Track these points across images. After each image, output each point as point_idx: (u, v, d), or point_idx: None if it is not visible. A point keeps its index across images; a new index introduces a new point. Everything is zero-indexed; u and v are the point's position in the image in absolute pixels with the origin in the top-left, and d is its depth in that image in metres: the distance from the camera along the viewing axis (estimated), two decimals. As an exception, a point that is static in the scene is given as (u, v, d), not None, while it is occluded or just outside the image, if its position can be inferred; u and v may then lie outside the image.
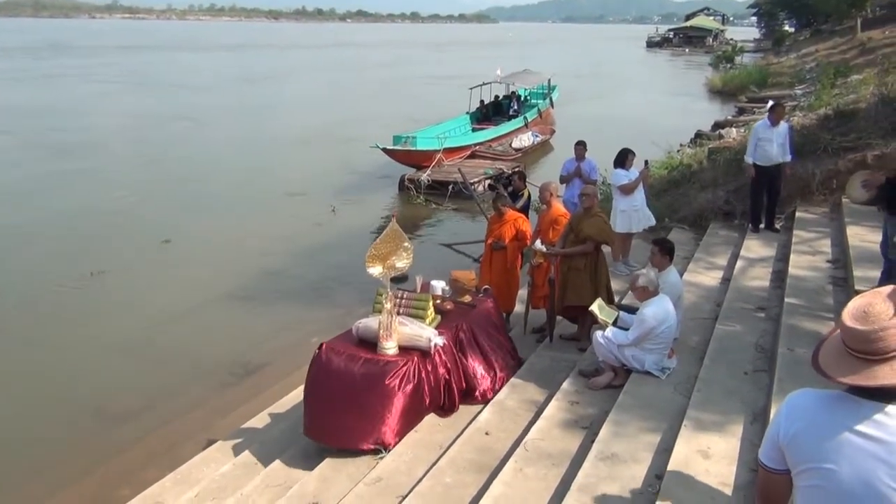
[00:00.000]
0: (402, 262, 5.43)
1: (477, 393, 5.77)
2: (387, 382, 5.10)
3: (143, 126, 25.45)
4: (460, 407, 5.65)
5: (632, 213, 8.54)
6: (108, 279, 10.75)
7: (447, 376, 5.55)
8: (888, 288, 1.88)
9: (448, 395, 5.57)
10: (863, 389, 1.82)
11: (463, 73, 22.53)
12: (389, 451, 5.11)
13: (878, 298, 1.84)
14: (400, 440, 5.18)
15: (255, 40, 70.45)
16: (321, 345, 5.45)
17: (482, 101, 23.23)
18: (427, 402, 5.37)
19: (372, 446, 5.12)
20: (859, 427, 1.80)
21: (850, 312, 1.85)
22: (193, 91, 37.84)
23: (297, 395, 6.59)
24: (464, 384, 5.73)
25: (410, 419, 5.24)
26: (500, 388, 5.86)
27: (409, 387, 5.19)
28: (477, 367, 5.81)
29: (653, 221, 8.84)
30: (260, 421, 6.22)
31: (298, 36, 74.21)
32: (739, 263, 7.96)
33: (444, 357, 5.52)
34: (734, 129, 17.46)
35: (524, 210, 8.67)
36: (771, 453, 2.01)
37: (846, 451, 1.81)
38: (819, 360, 1.93)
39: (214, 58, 58.15)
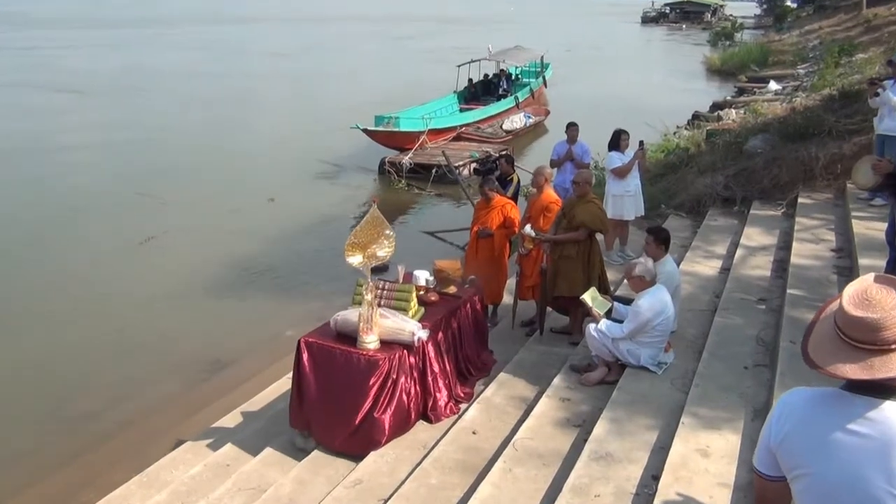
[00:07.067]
0: (383, 251, 5.39)
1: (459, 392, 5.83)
2: (370, 381, 5.09)
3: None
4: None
5: (625, 199, 8.53)
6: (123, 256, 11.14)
7: (431, 374, 5.55)
8: (871, 276, 1.88)
9: (433, 396, 5.57)
10: (857, 384, 1.81)
11: (491, 45, 22.72)
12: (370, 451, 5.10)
13: (872, 286, 1.83)
14: (387, 442, 5.17)
15: (255, 14, 69.97)
16: (299, 340, 5.42)
17: (470, 80, 23.10)
18: (413, 401, 5.36)
19: (356, 450, 5.13)
20: (851, 426, 1.79)
21: (850, 300, 1.83)
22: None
23: (271, 392, 6.58)
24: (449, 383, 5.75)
25: (396, 420, 5.23)
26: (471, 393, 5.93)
27: (393, 385, 5.18)
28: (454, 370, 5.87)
29: (642, 211, 8.85)
30: (232, 420, 6.18)
31: (290, 9, 73.66)
32: (739, 252, 8.00)
33: (428, 353, 5.52)
34: (733, 111, 17.50)
35: (513, 196, 8.64)
36: (765, 459, 1.99)
37: (837, 453, 1.79)
38: (809, 351, 1.89)
39: (248, 29, 57.77)
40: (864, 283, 1.86)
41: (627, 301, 5.88)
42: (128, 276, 10.41)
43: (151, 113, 23.52)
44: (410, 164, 15.86)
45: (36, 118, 22.27)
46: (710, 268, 7.93)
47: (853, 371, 1.79)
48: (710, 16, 79.72)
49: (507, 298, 7.44)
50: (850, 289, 1.86)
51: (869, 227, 7.60)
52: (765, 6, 77.20)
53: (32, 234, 12.07)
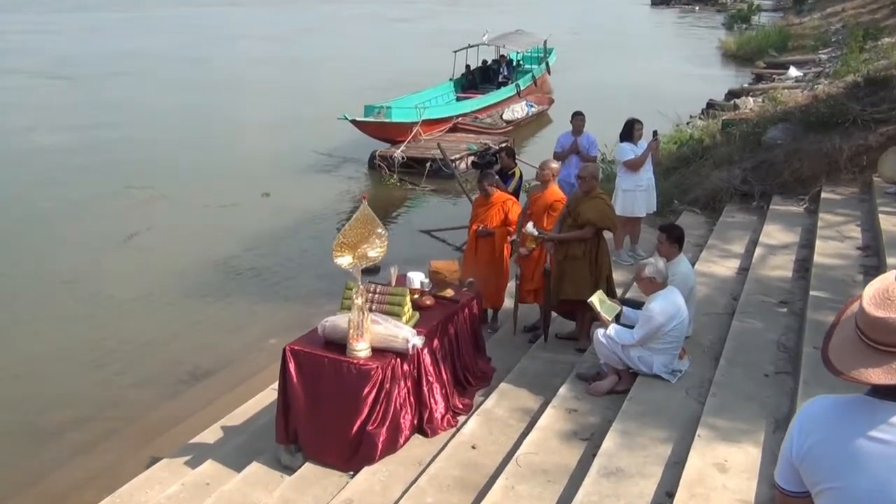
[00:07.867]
0: (374, 252, 5.38)
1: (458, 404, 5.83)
2: (362, 392, 5.08)
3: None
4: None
5: (636, 194, 8.53)
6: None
7: (427, 385, 5.55)
8: (893, 273, 1.86)
9: (429, 408, 5.58)
10: (883, 389, 1.79)
11: (498, 28, 22.82)
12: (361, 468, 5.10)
13: (893, 284, 1.81)
14: (380, 458, 5.16)
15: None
16: (284, 349, 5.41)
17: (468, 67, 23.06)
18: (407, 414, 5.36)
19: (346, 467, 5.14)
20: (878, 434, 1.77)
21: (871, 300, 1.80)
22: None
23: (253, 404, 6.57)
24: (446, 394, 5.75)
25: (389, 434, 5.23)
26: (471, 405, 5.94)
27: (386, 396, 5.18)
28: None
29: (654, 207, 8.86)
30: (212, 435, 6.17)
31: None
32: (758, 251, 8.02)
33: (423, 361, 5.52)
34: (751, 99, 17.53)
35: (515, 192, 8.64)
36: (786, 473, 1.98)
37: (864, 465, 1.78)
38: (830, 355, 1.88)
39: (238, 12, 57.89)
40: (885, 281, 1.84)
41: (638, 304, 5.88)
42: (104, 277, 10.39)
43: (138, 100, 23.42)
44: (403, 157, 15.81)
45: (17, 106, 22.26)
46: (728, 268, 7.93)
47: (877, 376, 1.77)
48: (725, -4, 79.87)
49: (508, 302, 7.44)
50: (871, 288, 1.84)
51: (897, 224, 7.63)
52: (784, -14, 77.25)
53: (3, 230, 12.04)
